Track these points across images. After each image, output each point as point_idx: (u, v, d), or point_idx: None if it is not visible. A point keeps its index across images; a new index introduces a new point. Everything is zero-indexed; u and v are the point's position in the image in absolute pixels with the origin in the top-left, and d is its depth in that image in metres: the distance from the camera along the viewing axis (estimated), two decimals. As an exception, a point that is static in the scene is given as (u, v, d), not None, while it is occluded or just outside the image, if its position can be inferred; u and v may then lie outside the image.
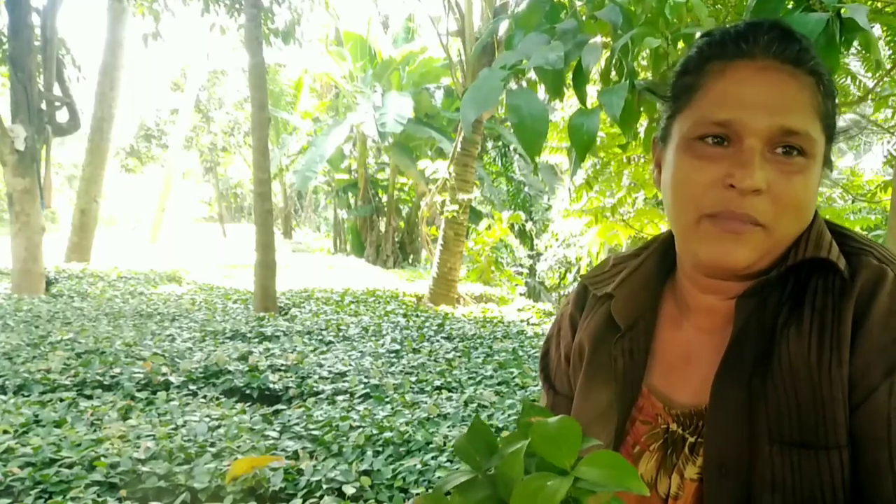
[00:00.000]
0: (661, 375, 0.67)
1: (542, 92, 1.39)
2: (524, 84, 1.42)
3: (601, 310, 0.72)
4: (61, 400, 3.05)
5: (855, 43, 1.12)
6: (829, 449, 0.55)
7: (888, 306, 0.55)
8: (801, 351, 0.57)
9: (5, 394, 3.21)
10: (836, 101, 0.63)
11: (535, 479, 0.39)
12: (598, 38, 1.32)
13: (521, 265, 11.56)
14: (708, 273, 0.64)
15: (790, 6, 1.15)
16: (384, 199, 14.73)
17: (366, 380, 3.61)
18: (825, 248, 0.60)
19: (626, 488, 0.39)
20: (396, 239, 14.63)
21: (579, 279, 0.79)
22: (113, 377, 3.44)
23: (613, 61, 1.26)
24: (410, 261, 14.65)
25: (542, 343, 0.81)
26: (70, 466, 2.23)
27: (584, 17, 1.37)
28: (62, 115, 7.40)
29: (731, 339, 0.60)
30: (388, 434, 2.62)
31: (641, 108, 1.28)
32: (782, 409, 0.56)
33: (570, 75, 1.30)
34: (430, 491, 0.45)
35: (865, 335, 0.55)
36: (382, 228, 14.63)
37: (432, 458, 2.40)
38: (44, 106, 7.00)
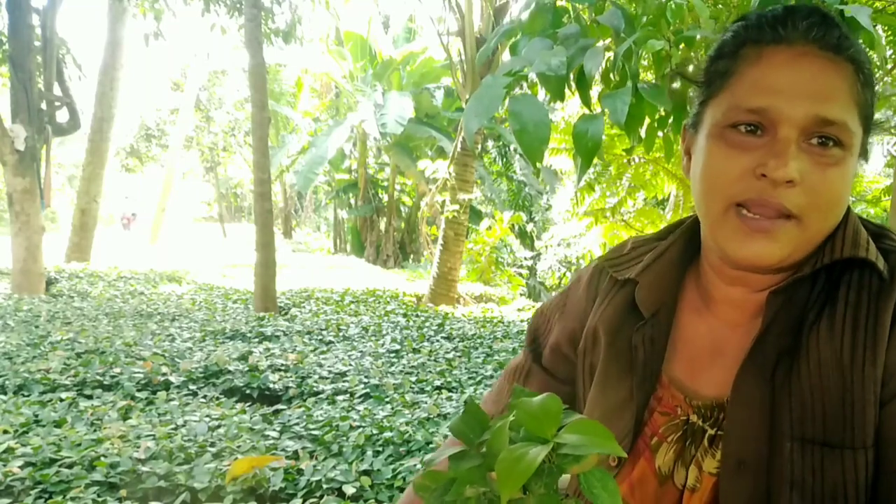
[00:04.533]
0: (683, 366, 0.65)
1: (542, 93, 1.39)
2: (525, 86, 1.42)
3: (620, 294, 0.69)
4: (61, 400, 3.04)
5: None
6: (856, 449, 0.53)
7: None
8: (832, 349, 0.55)
9: (5, 394, 3.21)
10: (875, 91, 0.61)
11: (517, 447, 0.40)
12: (601, 43, 1.32)
13: (520, 265, 11.56)
14: (733, 264, 0.62)
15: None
16: (384, 198, 14.73)
17: (366, 380, 3.60)
18: (863, 247, 0.58)
19: (604, 451, 0.40)
20: (396, 239, 14.64)
21: (595, 261, 0.77)
22: (113, 377, 3.44)
23: (616, 65, 1.26)
24: (410, 261, 14.65)
25: None
26: (70, 466, 2.23)
27: (586, 22, 1.37)
28: (62, 115, 7.40)
29: (759, 334, 0.59)
30: (388, 434, 2.62)
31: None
32: (807, 407, 0.55)
33: (572, 77, 1.30)
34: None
35: None
36: (382, 228, 14.63)
37: (432, 458, 2.39)
38: (44, 106, 7.00)
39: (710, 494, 0.60)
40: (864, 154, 0.60)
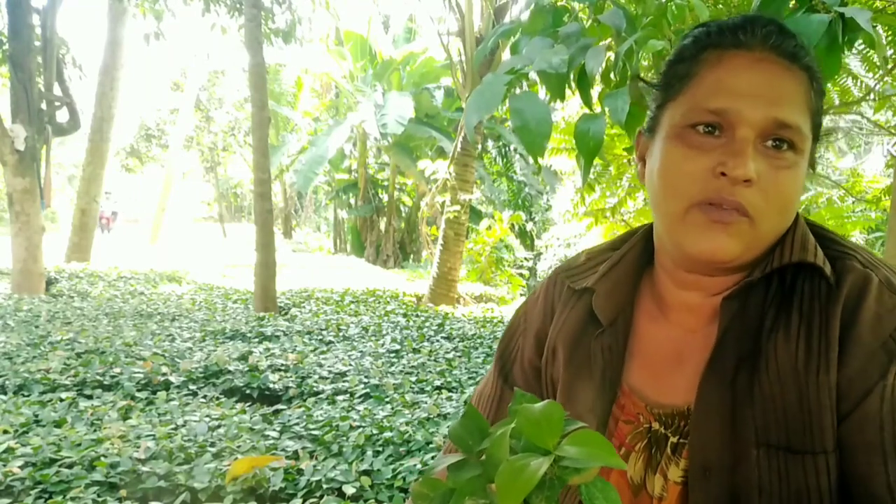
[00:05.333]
0: (642, 374, 0.66)
1: (542, 92, 1.39)
2: (525, 86, 1.42)
3: (578, 305, 0.70)
4: (61, 400, 3.04)
5: (857, 42, 1.12)
6: (816, 454, 0.54)
7: (875, 311, 0.55)
8: (788, 356, 0.56)
9: (5, 394, 3.21)
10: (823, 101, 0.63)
11: (518, 458, 0.40)
12: (603, 42, 1.32)
13: (520, 266, 11.56)
14: (690, 267, 0.62)
15: (792, 6, 1.15)
16: (384, 198, 14.73)
17: (366, 380, 3.60)
18: (811, 252, 0.59)
19: (606, 464, 0.40)
20: (396, 239, 14.63)
21: (550, 273, 0.77)
22: (113, 377, 3.44)
23: (617, 64, 1.26)
24: (410, 261, 14.65)
25: None
26: (70, 466, 2.23)
27: (587, 21, 1.37)
28: (62, 115, 7.40)
29: (717, 341, 0.59)
30: (388, 434, 2.61)
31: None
32: (769, 413, 0.56)
33: (572, 77, 1.30)
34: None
35: (854, 341, 0.55)
36: (383, 228, 14.63)
37: (432, 457, 2.39)
38: (44, 106, 7.00)
39: (677, 503, 0.60)
40: (812, 163, 0.62)
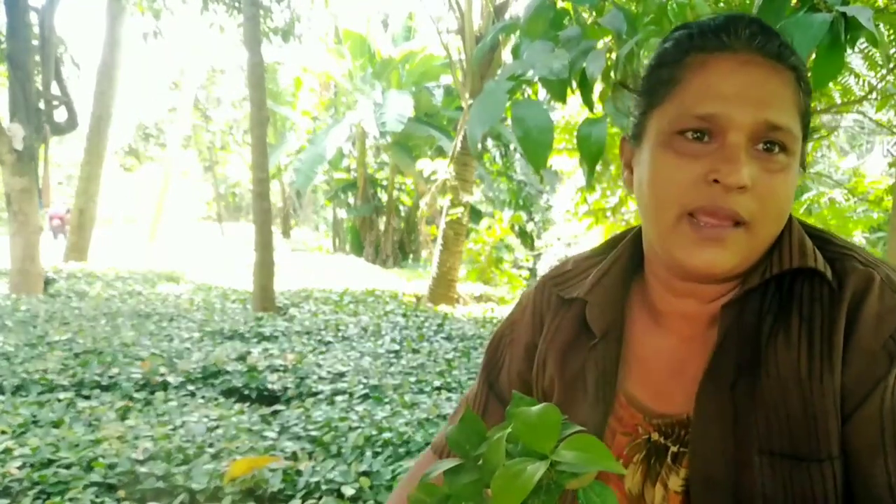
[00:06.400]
0: (638, 383, 0.65)
1: (542, 93, 1.39)
2: (527, 90, 1.41)
3: (568, 316, 0.69)
4: (59, 400, 3.04)
5: (859, 40, 1.11)
6: (822, 461, 0.53)
7: (877, 311, 0.54)
8: (790, 361, 0.55)
9: (3, 394, 3.20)
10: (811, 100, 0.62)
11: (515, 463, 0.40)
12: (603, 42, 1.31)
13: (520, 266, 11.55)
14: (680, 275, 0.61)
15: (794, 5, 1.14)
16: (383, 198, 14.73)
17: (365, 380, 3.60)
18: (811, 257, 0.58)
19: (603, 469, 0.39)
20: (396, 238, 14.63)
21: (537, 282, 0.76)
22: (111, 377, 3.43)
23: (618, 66, 1.25)
24: (410, 260, 14.65)
25: None
26: (68, 467, 2.22)
27: (588, 20, 1.36)
28: (60, 114, 7.39)
29: (715, 349, 0.58)
30: (387, 435, 2.61)
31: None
32: (772, 421, 0.55)
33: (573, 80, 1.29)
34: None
35: (856, 343, 0.54)
36: (382, 228, 14.63)
37: (432, 459, 2.39)
38: (42, 105, 6.98)
39: None
40: (802, 163, 0.60)
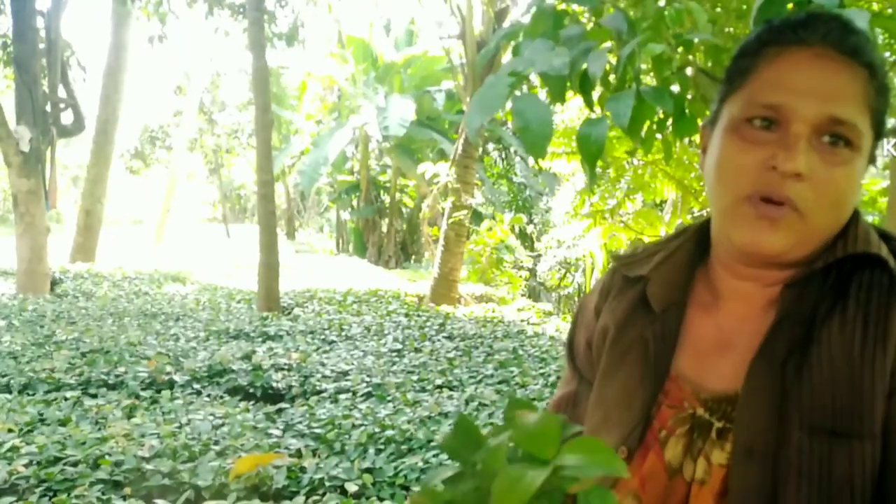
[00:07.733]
0: (691, 360, 0.67)
1: (542, 94, 1.41)
2: (525, 88, 1.43)
3: (632, 292, 0.71)
4: (66, 399, 3.07)
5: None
6: (863, 438, 0.55)
7: None
8: (843, 342, 0.57)
9: (11, 392, 3.23)
10: (890, 98, 0.63)
11: (515, 469, 0.39)
12: (605, 45, 1.33)
13: (520, 267, 11.56)
14: (742, 260, 0.64)
15: (790, 8, 1.16)
16: (386, 200, 14.76)
17: (368, 379, 3.62)
18: (874, 245, 0.60)
19: (606, 472, 0.38)
20: (398, 240, 14.66)
21: (611, 264, 0.79)
22: (117, 376, 3.46)
23: (617, 68, 1.27)
24: (412, 261, 14.67)
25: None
26: (75, 464, 2.25)
27: (588, 24, 1.38)
28: (67, 117, 7.45)
29: (772, 327, 0.61)
30: (390, 432, 2.63)
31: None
32: (816, 398, 0.56)
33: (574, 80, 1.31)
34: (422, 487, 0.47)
35: None
36: (384, 229, 14.65)
37: (434, 455, 2.41)
38: (48, 108, 7.05)
39: (719, 486, 0.61)
40: (872, 159, 0.63)
